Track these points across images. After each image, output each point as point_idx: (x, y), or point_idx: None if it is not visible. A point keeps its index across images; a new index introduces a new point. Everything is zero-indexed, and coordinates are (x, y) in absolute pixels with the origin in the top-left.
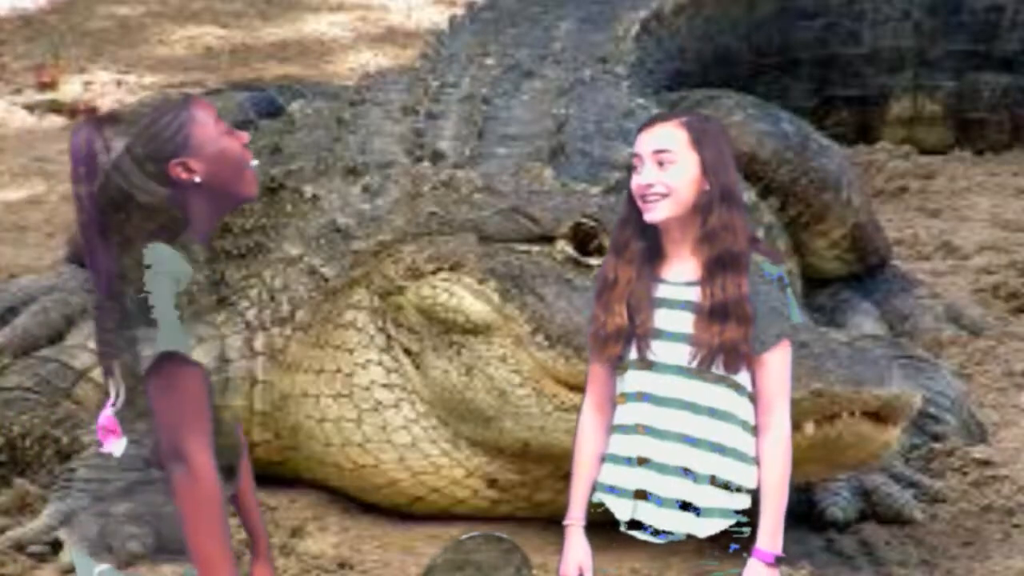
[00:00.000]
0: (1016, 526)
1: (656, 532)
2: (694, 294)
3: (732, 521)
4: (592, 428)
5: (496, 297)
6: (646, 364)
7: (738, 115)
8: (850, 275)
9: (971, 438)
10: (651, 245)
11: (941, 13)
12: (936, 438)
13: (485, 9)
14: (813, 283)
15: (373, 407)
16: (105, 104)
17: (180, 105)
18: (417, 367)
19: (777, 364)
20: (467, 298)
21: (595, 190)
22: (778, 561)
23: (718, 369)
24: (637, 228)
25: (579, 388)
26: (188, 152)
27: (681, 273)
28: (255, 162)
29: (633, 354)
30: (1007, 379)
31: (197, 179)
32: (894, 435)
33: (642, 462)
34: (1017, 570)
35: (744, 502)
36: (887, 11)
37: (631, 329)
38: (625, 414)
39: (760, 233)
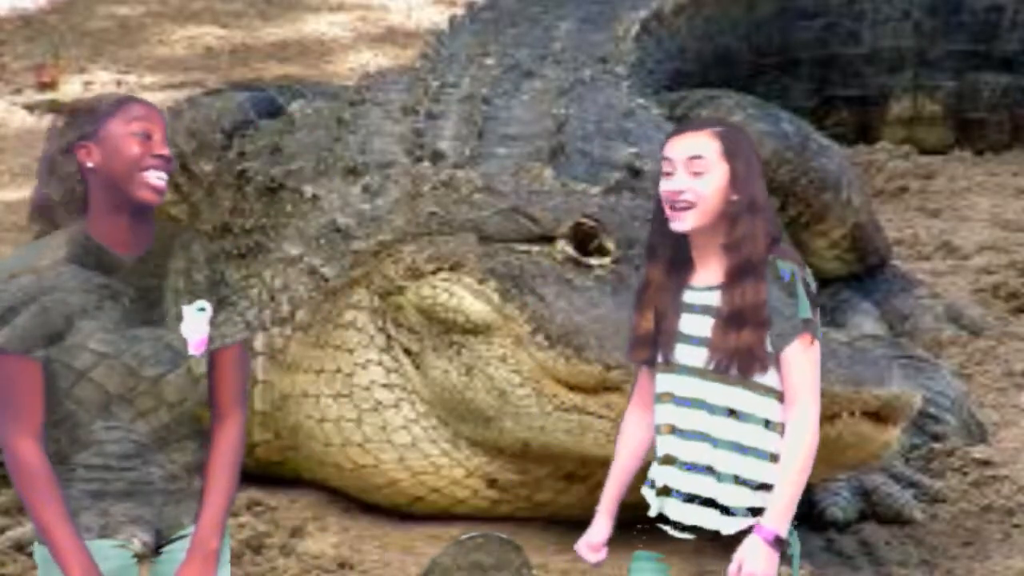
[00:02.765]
0: (1016, 526)
1: (683, 528)
2: (715, 299)
3: (753, 521)
4: (630, 424)
5: (496, 297)
6: (671, 367)
7: (738, 115)
8: (850, 275)
9: (971, 438)
10: (680, 250)
11: (941, 13)
12: (936, 438)
13: (485, 9)
14: None
15: (373, 407)
16: None
17: (116, 100)
18: (417, 367)
19: (798, 359)
20: (467, 298)
21: (595, 190)
22: (778, 542)
23: (735, 372)
24: (667, 233)
25: (579, 388)
26: (93, 138)
27: (706, 279)
28: (157, 174)
29: (659, 357)
30: (1007, 379)
31: (90, 164)
32: (894, 435)
33: (669, 461)
34: (1017, 570)
35: (760, 501)
36: (887, 11)
37: (656, 332)
38: (655, 415)
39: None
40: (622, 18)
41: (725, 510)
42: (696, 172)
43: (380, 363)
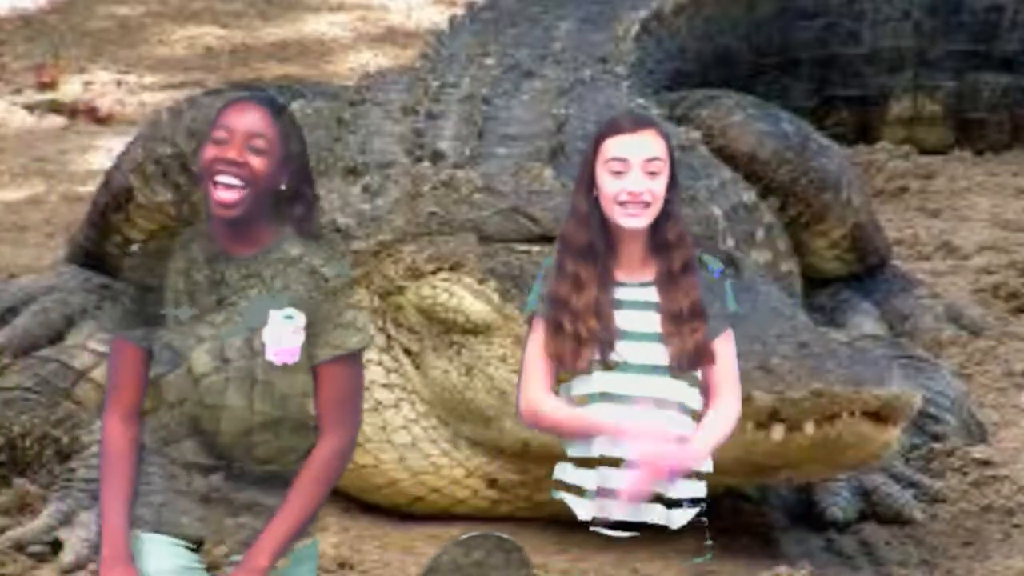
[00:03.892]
0: (1016, 526)
1: (626, 527)
2: (652, 295)
3: (697, 509)
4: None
5: (496, 297)
6: (610, 365)
7: (738, 115)
8: (850, 275)
9: (971, 438)
10: (605, 247)
11: (941, 13)
12: (936, 438)
13: (485, 9)
14: (813, 283)
15: (373, 407)
16: (105, 104)
17: (225, 101)
18: (417, 367)
19: (725, 350)
20: (467, 298)
21: None
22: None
23: (688, 366)
24: (605, 231)
25: None
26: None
27: (635, 274)
28: (225, 179)
29: (596, 355)
30: (1007, 379)
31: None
32: (894, 435)
33: (610, 463)
34: (1017, 570)
35: (703, 490)
36: (887, 11)
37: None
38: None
39: (760, 233)
40: (622, 18)
41: (672, 503)
42: (652, 172)
43: (380, 363)
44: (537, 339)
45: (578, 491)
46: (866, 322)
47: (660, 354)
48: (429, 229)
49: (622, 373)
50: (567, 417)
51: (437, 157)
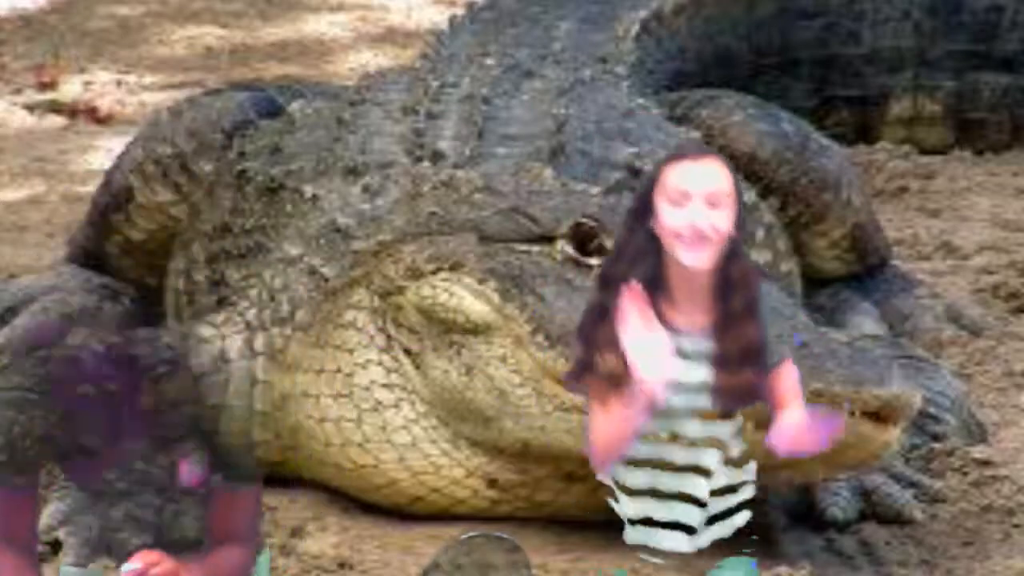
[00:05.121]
0: (1016, 526)
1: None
2: (706, 343)
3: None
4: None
5: (496, 297)
6: (656, 412)
7: (738, 115)
8: (850, 275)
9: (971, 438)
10: (659, 286)
11: (941, 13)
12: (936, 438)
13: (485, 9)
14: (813, 283)
15: (373, 407)
16: (105, 104)
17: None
18: (417, 367)
19: (787, 376)
20: (467, 298)
21: (595, 190)
22: None
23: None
24: (653, 265)
25: None
26: None
27: (693, 320)
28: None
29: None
30: (1007, 379)
31: None
32: (894, 435)
33: (650, 493)
34: (1017, 570)
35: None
36: (887, 11)
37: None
38: (635, 450)
39: (760, 233)
40: (622, 18)
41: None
42: (714, 204)
43: (380, 363)
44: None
45: (627, 491)
46: (866, 322)
47: (707, 400)
48: (429, 229)
49: (668, 420)
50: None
51: (437, 157)
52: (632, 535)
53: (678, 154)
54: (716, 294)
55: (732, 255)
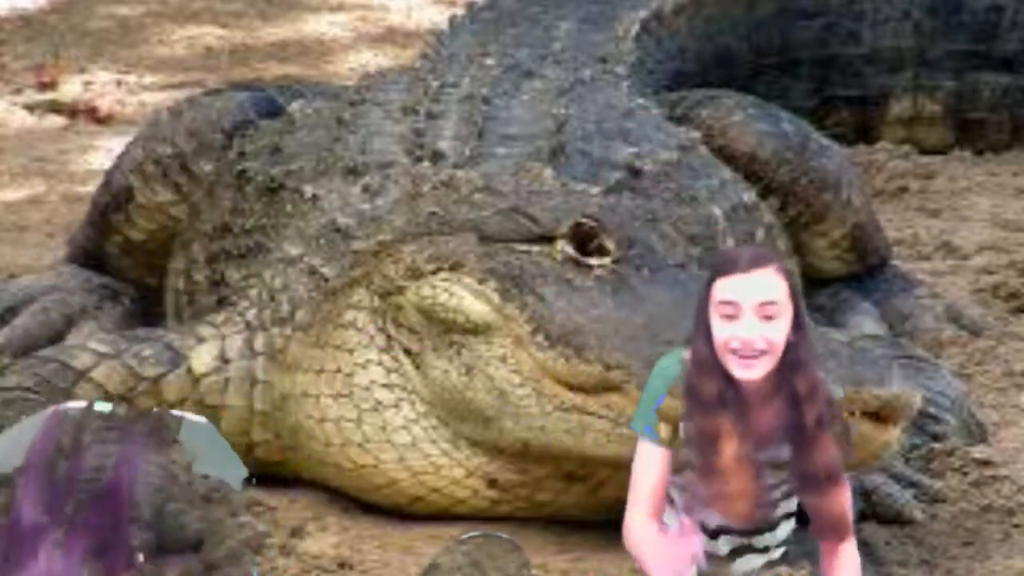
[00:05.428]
0: (1016, 526)
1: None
2: (782, 453)
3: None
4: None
5: (496, 297)
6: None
7: (738, 115)
8: (850, 275)
9: (971, 438)
10: (726, 402)
11: (941, 13)
12: (936, 438)
13: (485, 9)
14: (813, 283)
15: (373, 407)
16: (105, 104)
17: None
18: (417, 367)
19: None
20: (467, 298)
21: (595, 190)
22: None
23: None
24: (726, 380)
25: (579, 388)
26: None
27: (771, 434)
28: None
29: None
30: (1007, 379)
31: None
32: (894, 435)
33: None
34: (1017, 570)
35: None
36: (887, 11)
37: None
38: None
39: (760, 233)
40: (622, 18)
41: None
42: (768, 317)
43: (380, 363)
44: (646, 464)
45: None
46: (866, 322)
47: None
48: (429, 229)
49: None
50: (652, 552)
51: (437, 157)
52: None
53: (726, 265)
54: (784, 406)
55: (795, 366)
